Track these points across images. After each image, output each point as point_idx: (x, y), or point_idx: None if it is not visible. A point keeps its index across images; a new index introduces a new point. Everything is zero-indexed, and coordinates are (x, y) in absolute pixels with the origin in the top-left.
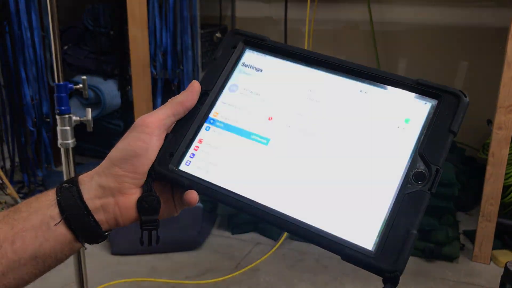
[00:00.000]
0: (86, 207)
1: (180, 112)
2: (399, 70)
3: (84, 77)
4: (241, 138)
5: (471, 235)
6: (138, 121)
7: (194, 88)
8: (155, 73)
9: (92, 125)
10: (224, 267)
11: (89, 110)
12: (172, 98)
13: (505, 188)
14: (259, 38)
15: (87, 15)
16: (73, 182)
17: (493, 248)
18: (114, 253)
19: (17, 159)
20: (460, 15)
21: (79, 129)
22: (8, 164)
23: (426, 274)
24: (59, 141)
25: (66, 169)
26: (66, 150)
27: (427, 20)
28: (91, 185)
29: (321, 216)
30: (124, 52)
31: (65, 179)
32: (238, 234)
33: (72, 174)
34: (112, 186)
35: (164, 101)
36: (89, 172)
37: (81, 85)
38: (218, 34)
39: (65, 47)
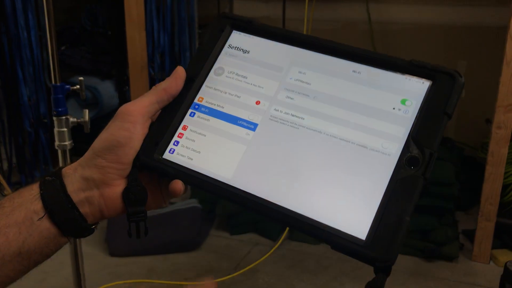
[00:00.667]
0: (70, 200)
1: (164, 99)
2: None
3: (81, 78)
4: (227, 123)
5: (470, 235)
6: (121, 109)
7: (178, 74)
8: (153, 74)
9: (89, 126)
10: (223, 268)
11: (86, 111)
12: (156, 85)
13: (505, 187)
14: (246, 20)
15: (84, 15)
16: (57, 175)
17: (493, 248)
18: (112, 254)
19: (14, 160)
20: (459, 14)
21: (77, 130)
22: (5, 165)
23: (426, 274)
24: (56, 143)
25: None
26: (63, 152)
27: (425, 19)
28: (75, 177)
29: (311, 205)
30: (121, 52)
31: None
32: (237, 234)
33: None
34: (96, 178)
35: None
36: (72, 164)
37: (78, 86)
38: None
39: (63, 48)
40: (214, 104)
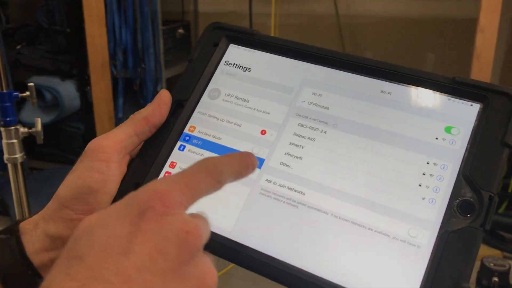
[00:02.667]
0: (29, 264)
1: (146, 131)
2: None
3: (31, 84)
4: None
5: None
6: (91, 145)
7: (161, 99)
8: (115, 73)
9: (42, 137)
10: None
11: (39, 120)
12: (135, 113)
13: None
14: (247, 32)
15: (40, 12)
16: (12, 232)
17: None
18: None
19: None
20: (427, 6)
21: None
22: None
23: None
24: (5, 156)
25: (15, 187)
26: (14, 166)
27: (393, 12)
28: (36, 234)
29: (337, 271)
30: (82, 50)
31: (14, 197)
32: None
33: (22, 193)
34: (63, 235)
35: (126, 102)
36: (33, 218)
37: (28, 93)
38: (181, 30)
39: (18, 47)
40: (209, 135)
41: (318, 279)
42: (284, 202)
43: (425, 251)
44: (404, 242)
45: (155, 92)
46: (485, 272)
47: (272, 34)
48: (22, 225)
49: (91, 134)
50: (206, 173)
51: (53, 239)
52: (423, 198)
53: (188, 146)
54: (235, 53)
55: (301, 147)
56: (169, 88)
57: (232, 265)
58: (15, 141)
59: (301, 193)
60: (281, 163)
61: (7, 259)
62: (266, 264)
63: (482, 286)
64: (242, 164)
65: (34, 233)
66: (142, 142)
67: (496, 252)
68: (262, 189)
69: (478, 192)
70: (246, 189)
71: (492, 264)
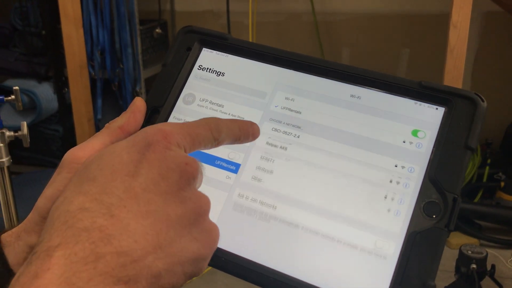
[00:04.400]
0: (12, 275)
1: (121, 139)
2: (343, 60)
3: (16, 87)
4: (202, 164)
5: None
6: (67, 156)
7: (136, 107)
8: (93, 74)
9: (28, 140)
10: None
11: (25, 123)
12: (110, 122)
13: None
14: (219, 36)
15: (14, 14)
16: None
17: None
18: None
19: None
20: (401, 3)
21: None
22: None
23: None
24: None
25: (1, 191)
26: (1, 170)
27: (368, 8)
28: (18, 246)
29: (311, 271)
30: (58, 52)
31: (1, 202)
32: None
33: (10, 196)
34: None
35: (104, 103)
36: (14, 230)
37: (13, 97)
38: (158, 30)
39: None
40: None
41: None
42: (256, 217)
43: (392, 260)
44: (371, 254)
45: (134, 92)
46: (464, 260)
47: (249, 32)
48: (4, 237)
49: (69, 136)
50: (207, 128)
51: None
52: (389, 210)
53: None
54: (208, 57)
55: (272, 160)
56: (148, 87)
57: None
58: (1, 145)
59: (273, 207)
60: (253, 177)
61: None
62: (241, 267)
63: (461, 273)
64: (242, 131)
65: (16, 244)
66: None
67: (473, 241)
68: (235, 204)
69: (443, 194)
70: (219, 205)
71: (470, 252)
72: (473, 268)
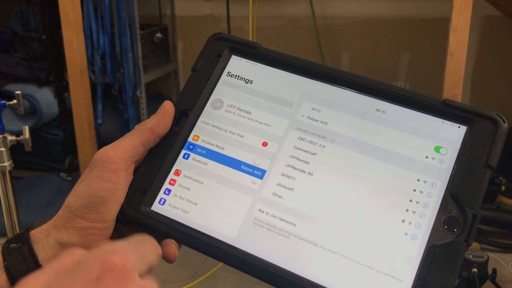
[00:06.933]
0: None
1: (151, 141)
2: (343, 65)
3: (18, 92)
4: (228, 169)
5: None
6: (99, 155)
7: (165, 110)
8: (93, 78)
9: (30, 144)
10: (181, 277)
11: (26, 128)
12: (140, 124)
13: None
14: (249, 45)
15: (15, 19)
16: (23, 240)
17: None
18: None
19: None
20: (401, 7)
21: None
22: None
23: None
24: None
25: (3, 195)
26: (3, 174)
27: (368, 13)
28: (48, 242)
29: (332, 275)
30: (59, 57)
31: (3, 206)
32: None
33: (11, 201)
34: (75, 242)
35: (105, 107)
36: (43, 226)
37: (15, 101)
38: (158, 34)
39: None
40: (213, 145)
41: None
42: (276, 232)
43: (407, 283)
44: (388, 275)
45: (134, 97)
46: (465, 263)
47: (250, 37)
48: (33, 233)
49: (70, 140)
50: (151, 246)
51: (65, 246)
52: (406, 234)
53: (192, 155)
54: (237, 64)
55: (293, 178)
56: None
57: (217, 267)
58: (3, 149)
59: (293, 224)
60: (274, 194)
61: (21, 267)
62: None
63: (462, 277)
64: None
65: (45, 241)
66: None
67: (474, 245)
68: (255, 218)
69: (463, 209)
70: (244, 209)
71: (471, 256)
72: (474, 272)
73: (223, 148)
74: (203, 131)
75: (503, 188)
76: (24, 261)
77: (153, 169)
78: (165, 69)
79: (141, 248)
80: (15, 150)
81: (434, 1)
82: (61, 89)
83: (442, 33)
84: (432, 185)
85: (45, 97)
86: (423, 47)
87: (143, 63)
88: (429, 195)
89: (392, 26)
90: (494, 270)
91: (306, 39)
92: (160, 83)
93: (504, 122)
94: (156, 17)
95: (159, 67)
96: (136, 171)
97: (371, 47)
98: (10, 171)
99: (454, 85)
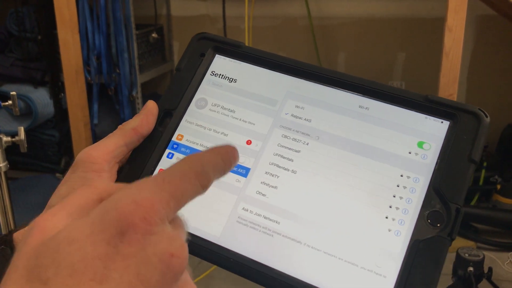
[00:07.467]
0: None
1: (134, 141)
2: (339, 64)
3: (13, 92)
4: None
5: None
6: (81, 156)
7: (149, 110)
8: (89, 78)
9: (26, 145)
10: None
11: (22, 129)
12: (123, 124)
13: None
14: (232, 44)
15: (10, 19)
16: (6, 242)
17: None
18: None
19: None
20: (396, 6)
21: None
22: None
23: None
24: None
25: None
26: None
27: (364, 12)
28: None
29: (317, 272)
30: (54, 57)
31: None
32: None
33: (7, 201)
34: None
35: (101, 108)
36: (26, 228)
37: (10, 102)
38: (154, 35)
39: None
40: (197, 143)
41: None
42: (260, 231)
43: (392, 277)
44: (371, 272)
45: (130, 97)
46: (461, 262)
47: (245, 37)
48: (16, 235)
49: (66, 141)
50: (194, 177)
51: None
52: (389, 230)
53: (176, 154)
54: (221, 64)
55: (277, 176)
56: (144, 92)
57: (214, 267)
58: None
59: (276, 222)
60: (258, 192)
61: (5, 269)
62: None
63: (458, 276)
64: (226, 161)
65: None
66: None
67: (470, 243)
68: (239, 217)
69: (446, 204)
70: (228, 208)
71: (467, 255)
72: (470, 271)
73: (207, 147)
74: (187, 131)
75: (498, 186)
76: (7, 262)
77: (137, 169)
78: (161, 69)
79: (177, 187)
80: (11, 151)
81: (429, 0)
82: (57, 90)
83: (437, 33)
84: (416, 181)
85: (41, 97)
86: (419, 47)
87: (139, 63)
88: (412, 191)
89: (388, 26)
90: (490, 269)
91: (302, 39)
92: (156, 83)
93: (486, 116)
94: (151, 17)
95: (155, 67)
96: (120, 172)
97: (367, 47)
98: (5, 172)
99: (450, 84)
